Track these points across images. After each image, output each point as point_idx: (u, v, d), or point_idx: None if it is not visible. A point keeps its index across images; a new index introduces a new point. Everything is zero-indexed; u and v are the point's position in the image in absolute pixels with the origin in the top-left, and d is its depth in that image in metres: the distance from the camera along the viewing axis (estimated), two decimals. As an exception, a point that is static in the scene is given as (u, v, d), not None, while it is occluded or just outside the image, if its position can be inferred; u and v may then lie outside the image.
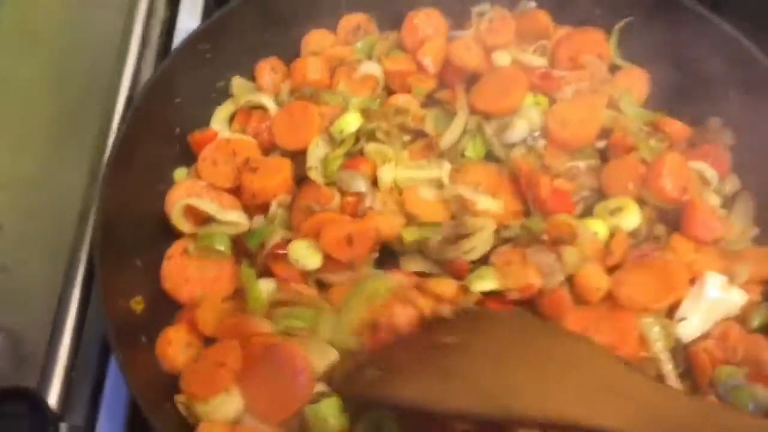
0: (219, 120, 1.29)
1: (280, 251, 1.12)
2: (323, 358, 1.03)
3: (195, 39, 1.22)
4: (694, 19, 1.24)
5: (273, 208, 1.17)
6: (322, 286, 1.14)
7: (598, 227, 1.15)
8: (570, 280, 1.10)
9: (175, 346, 1.06)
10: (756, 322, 1.09)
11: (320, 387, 1.03)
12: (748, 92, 1.21)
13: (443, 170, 1.22)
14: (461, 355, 0.97)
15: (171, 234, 1.17)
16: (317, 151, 1.23)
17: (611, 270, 1.11)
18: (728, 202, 1.22)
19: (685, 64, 1.26)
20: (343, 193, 1.18)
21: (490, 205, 1.19)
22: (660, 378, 1.04)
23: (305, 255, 1.12)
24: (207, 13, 1.48)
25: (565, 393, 0.90)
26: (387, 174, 1.21)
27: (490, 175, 1.23)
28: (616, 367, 0.93)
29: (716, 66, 1.23)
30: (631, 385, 0.89)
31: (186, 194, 1.19)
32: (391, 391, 0.96)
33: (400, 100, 1.30)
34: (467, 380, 0.93)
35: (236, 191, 1.20)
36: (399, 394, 0.95)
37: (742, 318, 1.09)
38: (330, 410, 1.00)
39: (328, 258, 1.12)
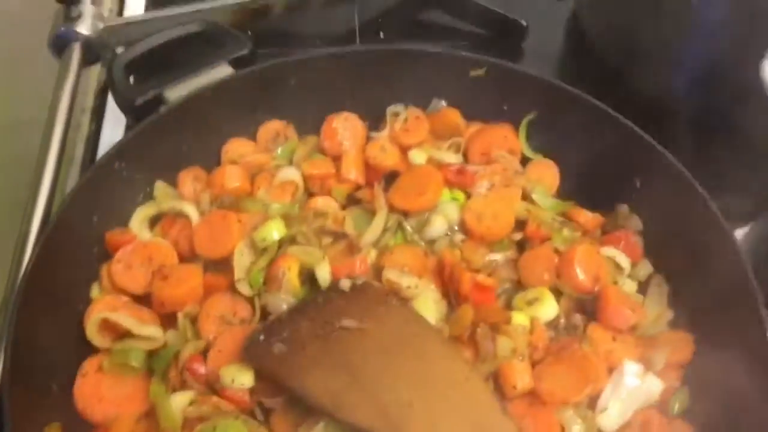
0: (138, 221, 1.28)
1: (196, 366, 1.11)
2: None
3: (109, 159, 1.23)
4: (595, 114, 1.30)
5: (180, 319, 1.16)
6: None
7: (520, 319, 1.17)
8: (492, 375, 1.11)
9: (92, 475, 1.03)
10: (676, 407, 1.11)
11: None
12: (651, 179, 1.26)
13: (370, 256, 1.24)
14: (362, 345, 1.08)
15: (89, 353, 1.15)
16: (242, 260, 1.23)
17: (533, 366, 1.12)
18: (643, 287, 1.25)
19: (591, 155, 1.32)
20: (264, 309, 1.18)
21: (416, 283, 1.19)
22: (585, 471, 1.05)
23: (238, 375, 1.10)
24: (131, 127, 1.50)
25: (451, 425, 0.98)
26: (324, 272, 1.21)
27: (416, 257, 1.25)
28: (492, 402, 1.02)
29: (619, 155, 1.29)
30: (501, 429, 0.97)
31: (105, 309, 1.17)
32: (298, 382, 1.05)
33: (319, 203, 1.33)
34: (367, 385, 1.03)
35: (146, 299, 1.19)
36: (308, 388, 1.04)
37: (662, 404, 1.11)
38: None
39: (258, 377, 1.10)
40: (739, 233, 1.41)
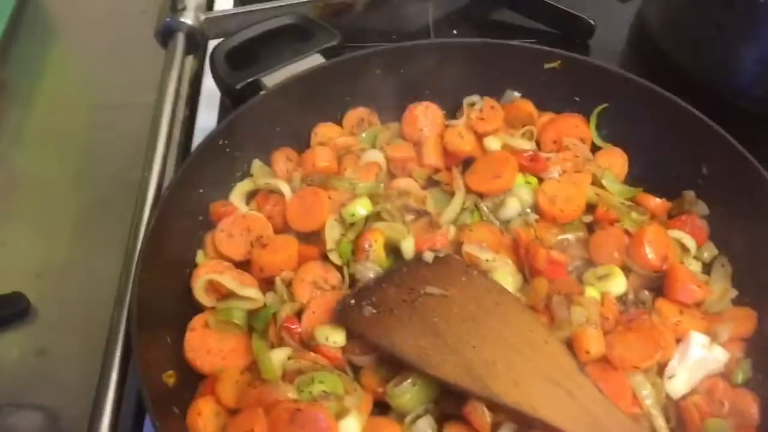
0: (237, 195, 1.40)
1: (292, 325, 1.22)
2: (348, 418, 1.12)
3: (215, 136, 1.35)
4: (662, 103, 1.38)
5: (278, 283, 1.27)
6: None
7: (592, 293, 1.25)
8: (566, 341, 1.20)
9: (204, 417, 1.14)
10: (740, 377, 1.18)
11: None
12: (718, 166, 1.34)
13: (449, 232, 1.34)
14: (446, 310, 1.17)
15: (196, 312, 1.27)
16: (333, 233, 1.33)
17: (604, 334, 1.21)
18: (708, 268, 1.33)
19: (659, 143, 1.40)
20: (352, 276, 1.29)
21: (494, 257, 1.29)
22: (653, 432, 1.13)
23: (332, 333, 1.21)
24: (223, 112, 1.63)
25: (533, 383, 1.06)
26: (409, 245, 1.31)
27: (493, 234, 1.34)
28: (570, 363, 1.09)
29: (686, 143, 1.37)
30: (580, 386, 1.05)
31: (210, 272, 1.29)
32: (388, 340, 1.14)
33: (402, 183, 1.43)
34: (453, 344, 1.11)
35: (246, 265, 1.31)
36: (398, 346, 1.13)
37: (726, 374, 1.19)
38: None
39: (349, 337, 1.21)
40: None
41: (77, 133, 1.74)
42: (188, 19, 1.56)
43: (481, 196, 1.40)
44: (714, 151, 1.33)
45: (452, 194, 1.41)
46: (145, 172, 1.32)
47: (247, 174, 1.43)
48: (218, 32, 1.61)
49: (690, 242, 1.31)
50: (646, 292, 1.27)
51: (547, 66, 1.47)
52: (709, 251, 1.33)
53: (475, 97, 1.52)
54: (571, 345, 1.19)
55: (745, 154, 1.29)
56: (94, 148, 1.70)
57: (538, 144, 1.48)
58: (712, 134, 1.33)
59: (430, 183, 1.46)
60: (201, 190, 1.35)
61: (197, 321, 1.25)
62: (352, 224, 1.35)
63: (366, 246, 1.31)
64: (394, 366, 1.18)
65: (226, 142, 1.37)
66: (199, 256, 1.34)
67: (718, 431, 1.11)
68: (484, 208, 1.39)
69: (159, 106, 1.43)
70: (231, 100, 1.47)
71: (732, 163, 1.30)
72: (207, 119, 1.64)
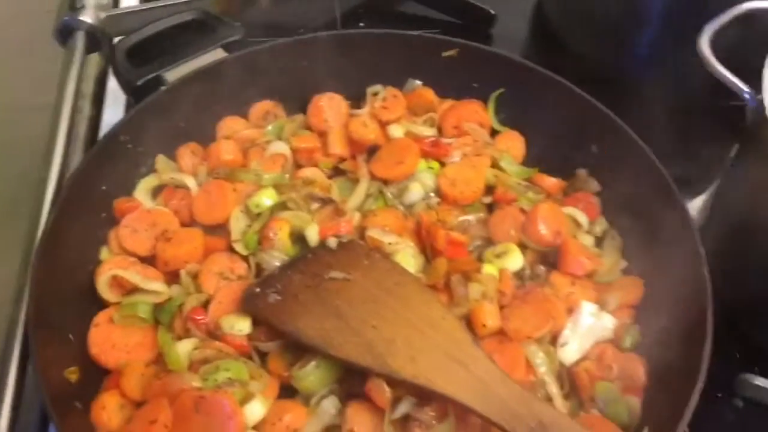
0: (142, 191, 1.40)
1: (198, 317, 1.23)
2: (252, 403, 1.14)
3: (114, 133, 1.35)
4: (556, 88, 1.44)
5: (183, 275, 1.29)
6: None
7: (490, 270, 1.30)
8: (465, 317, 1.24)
9: (109, 410, 1.14)
10: (628, 342, 1.24)
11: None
12: (605, 145, 1.41)
13: (354, 219, 1.37)
14: (349, 293, 1.20)
15: (102, 309, 1.27)
16: (238, 224, 1.35)
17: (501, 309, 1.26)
18: (600, 241, 1.39)
19: (553, 126, 1.46)
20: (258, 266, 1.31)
21: (397, 240, 1.33)
22: (548, 398, 1.18)
23: (237, 322, 1.23)
24: (129, 110, 1.61)
25: (429, 358, 1.11)
26: (313, 233, 1.34)
27: (396, 219, 1.38)
28: (465, 338, 1.14)
29: (578, 125, 1.43)
30: (474, 358, 1.10)
31: (114, 267, 1.29)
32: (292, 325, 1.17)
33: (307, 173, 1.45)
34: (354, 325, 1.15)
35: (151, 260, 1.31)
36: (302, 330, 1.17)
37: (616, 340, 1.25)
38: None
39: (255, 324, 1.23)
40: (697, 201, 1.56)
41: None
42: (87, 17, 1.55)
43: (386, 182, 1.44)
44: (601, 130, 1.40)
45: (357, 182, 1.44)
46: (43, 173, 1.31)
47: (152, 169, 1.43)
48: (120, 30, 1.60)
49: (582, 218, 1.37)
50: (542, 267, 1.32)
51: (445, 54, 1.51)
52: (601, 225, 1.39)
53: (378, 87, 1.55)
54: (469, 320, 1.24)
55: (630, 133, 1.35)
56: (6, 149, 1.68)
57: (439, 130, 1.52)
58: (599, 114, 1.39)
59: (336, 172, 1.49)
60: (103, 187, 1.35)
61: (101, 317, 1.25)
62: (259, 215, 1.36)
63: (271, 235, 1.33)
64: (300, 350, 1.20)
65: (128, 138, 1.37)
66: (104, 253, 1.33)
67: (607, 393, 1.17)
68: (389, 194, 1.43)
69: (58, 104, 1.43)
70: (133, 96, 1.47)
71: (617, 140, 1.37)
72: (113, 117, 1.61)
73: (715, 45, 1.25)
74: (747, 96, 1.26)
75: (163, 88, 1.42)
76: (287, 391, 1.20)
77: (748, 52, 1.27)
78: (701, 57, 1.31)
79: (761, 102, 1.22)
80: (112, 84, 1.67)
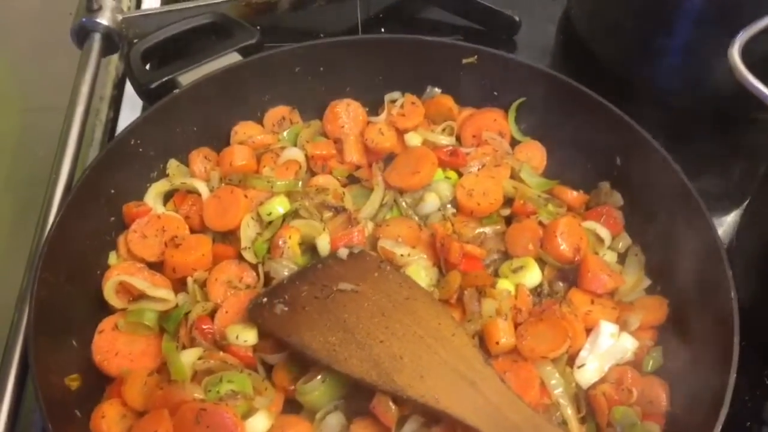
0: (152, 195, 1.38)
1: (205, 326, 1.20)
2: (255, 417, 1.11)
3: (125, 137, 1.33)
4: (579, 98, 1.39)
5: (190, 283, 1.26)
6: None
7: (505, 285, 1.26)
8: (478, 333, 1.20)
9: (108, 419, 1.12)
10: (649, 365, 1.19)
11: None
12: (631, 158, 1.35)
13: (367, 228, 1.33)
14: (357, 306, 1.17)
15: (106, 314, 1.24)
16: (248, 231, 1.33)
17: (516, 326, 1.21)
18: (623, 258, 1.33)
19: (576, 137, 1.41)
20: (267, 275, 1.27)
21: (409, 252, 1.29)
22: (562, 422, 1.12)
23: (242, 332, 1.20)
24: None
25: (438, 376, 1.07)
26: (324, 243, 1.31)
27: (410, 229, 1.34)
28: (476, 355, 1.09)
29: (602, 137, 1.38)
30: (484, 378, 1.06)
31: (121, 273, 1.26)
32: (298, 338, 1.14)
33: (320, 180, 1.42)
34: (361, 340, 1.12)
35: (159, 266, 1.29)
36: (308, 343, 1.13)
37: (637, 362, 1.19)
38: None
39: (261, 336, 1.20)
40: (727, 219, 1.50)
41: (8, 135, 1.72)
42: (104, 19, 1.54)
43: (401, 192, 1.40)
44: (626, 142, 1.34)
45: (372, 191, 1.40)
46: (53, 174, 1.29)
47: (163, 174, 1.41)
48: (138, 32, 1.59)
49: (604, 233, 1.32)
50: (560, 284, 1.27)
51: (465, 61, 1.47)
52: (624, 241, 1.34)
53: (396, 94, 1.52)
54: (482, 337, 1.19)
55: (656, 145, 1.30)
56: (24, 150, 1.68)
57: (458, 139, 1.48)
58: (624, 126, 1.34)
59: (352, 180, 1.45)
60: (112, 191, 1.33)
61: (106, 323, 1.23)
62: (270, 223, 1.33)
63: (281, 243, 1.30)
64: (306, 363, 1.17)
65: (139, 141, 1.35)
66: (112, 258, 1.31)
67: (626, 418, 1.11)
68: (403, 204, 1.39)
69: (71, 106, 1.41)
70: (147, 99, 1.45)
71: (642, 153, 1.31)
72: (130, 120, 1.61)
73: (746, 55, 1.18)
74: (779, 108, 1.20)
75: (176, 91, 1.39)
76: (292, 406, 1.17)
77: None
78: (732, 67, 1.24)
79: (795, 115, 1.16)
80: (130, 87, 1.67)
